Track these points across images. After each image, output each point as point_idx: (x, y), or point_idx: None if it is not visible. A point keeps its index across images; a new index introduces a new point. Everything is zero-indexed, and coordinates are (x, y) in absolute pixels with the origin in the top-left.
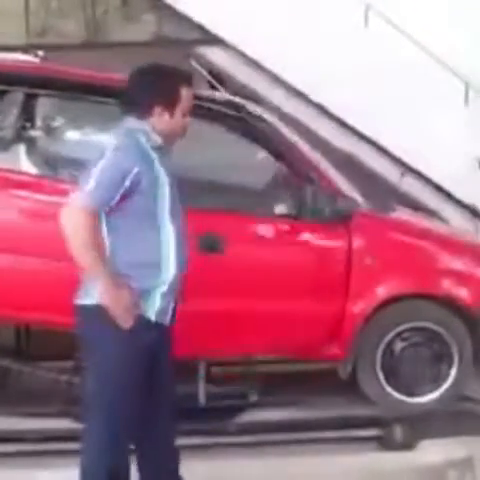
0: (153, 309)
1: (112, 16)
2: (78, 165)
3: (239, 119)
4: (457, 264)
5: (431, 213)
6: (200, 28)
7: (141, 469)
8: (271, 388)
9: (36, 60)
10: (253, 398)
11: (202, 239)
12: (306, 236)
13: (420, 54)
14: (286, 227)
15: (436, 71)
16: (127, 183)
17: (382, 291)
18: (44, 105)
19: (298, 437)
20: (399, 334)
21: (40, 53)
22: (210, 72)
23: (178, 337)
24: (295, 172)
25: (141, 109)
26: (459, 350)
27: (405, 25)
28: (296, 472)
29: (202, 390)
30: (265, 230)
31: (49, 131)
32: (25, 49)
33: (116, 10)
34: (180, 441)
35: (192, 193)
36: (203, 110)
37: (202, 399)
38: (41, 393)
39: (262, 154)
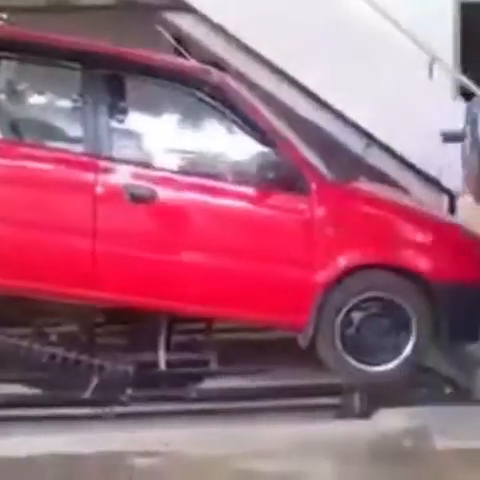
0: None
1: None
2: (41, 129)
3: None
4: (419, 236)
5: (396, 185)
6: None
7: None
8: (231, 356)
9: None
10: (213, 366)
11: None
12: (268, 204)
13: (387, 25)
14: (249, 193)
15: (402, 43)
16: None
17: (343, 261)
18: (7, 69)
19: (257, 405)
20: (358, 304)
21: (4, 16)
22: (176, 38)
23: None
24: (258, 139)
25: None
26: (418, 321)
27: None
28: (254, 439)
29: (162, 357)
30: (227, 195)
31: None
32: None
33: None
34: (140, 408)
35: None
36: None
37: (163, 366)
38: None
39: (227, 120)
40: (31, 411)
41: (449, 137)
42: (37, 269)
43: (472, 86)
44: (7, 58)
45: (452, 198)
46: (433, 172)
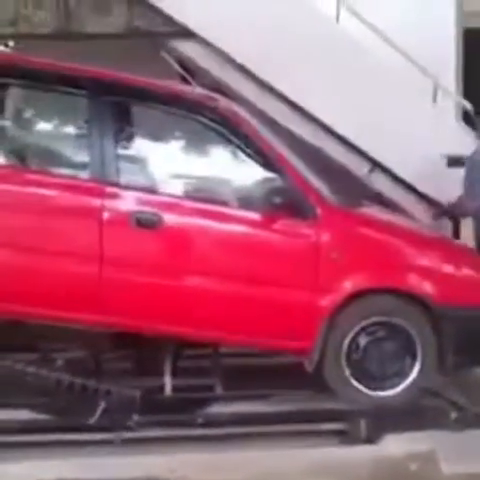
0: None
1: (84, 7)
2: (47, 155)
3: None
4: (423, 260)
5: (400, 209)
6: (173, 22)
7: None
8: (237, 381)
9: (7, 50)
10: (219, 391)
11: None
12: (274, 229)
13: (390, 52)
14: (255, 219)
15: (405, 69)
16: None
17: (348, 285)
18: (14, 96)
19: (263, 430)
20: (364, 328)
21: (10, 44)
22: (182, 65)
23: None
24: (263, 165)
25: None
26: (423, 345)
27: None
28: (260, 465)
29: (169, 382)
30: (233, 221)
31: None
32: None
33: (89, 1)
34: (147, 433)
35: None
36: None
37: (169, 391)
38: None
39: (232, 147)
40: (38, 437)
41: (453, 161)
42: (44, 294)
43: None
44: (14, 85)
45: (456, 223)
46: (437, 196)
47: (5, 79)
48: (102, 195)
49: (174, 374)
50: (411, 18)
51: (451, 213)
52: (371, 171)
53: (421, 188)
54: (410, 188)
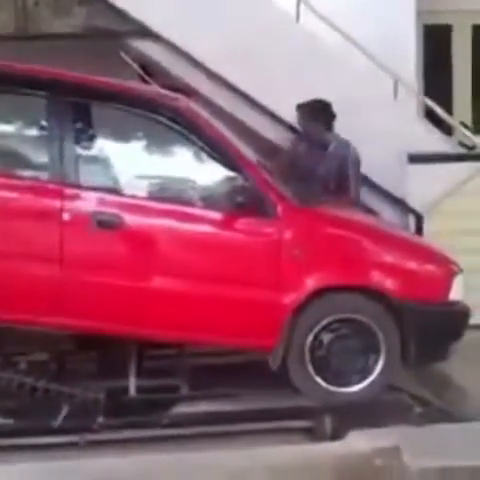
0: None
1: (43, 8)
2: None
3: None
4: (385, 256)
5: (361, 206)
6: (132, 21)
7: None
8: (202, 381)
9: None
10: (184, 391)
11: None
12: (236, 228)
13: (350, 49)
14: (216, 218)
15: (366, 66)
16: None
17: (311, 283)
18: None
19: (229, 429)
20: (327, 325)
21: None
22: (141, 65)
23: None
24: (224, 164)
25: None
26: (386, 341)
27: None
28: (226, 464)
29: (133, 383)
30: (195, 220)
31: None
32: None
33: (47, 2)
34: (112, 435)
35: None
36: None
37: (133, 392)
38: None
39: (193, 146)
40: (1, 440)
41: (415, 158)
42: (4, 297)
43: (436, 106)
44: None
45: (419, 219)
46: (398, 193)
47: None
48: (62, 196)
49: (139, 375)
50: (371, 14)
51: None
52: None
53: (382, 184)
54: (372, 185)
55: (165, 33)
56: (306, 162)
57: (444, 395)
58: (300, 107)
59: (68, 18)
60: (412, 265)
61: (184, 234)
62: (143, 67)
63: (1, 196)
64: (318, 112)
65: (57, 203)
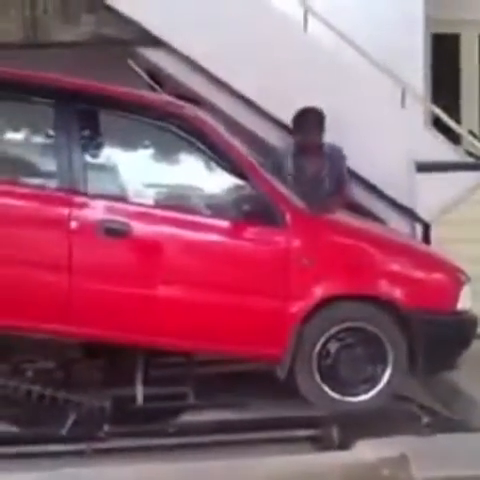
0: None
1: (51, 16)
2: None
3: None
4: (393, 265)
5: (369, 215)
6: (141, 30)
7: None
8: (209, 389)
9: None
10: (191, 399)
11: None
12: (244, 237)
13: (358, 58)
14: (225, 227)
15: (374, 75)
16: None
17: (319, 292)
18: None
19: (236, 438)
20: (335, 334)
21: None
22: (149, 73)
23: None
24: (233, 172)
25: None
26: (394, 350)
27: (344, 29)
28: (233, 473)
29: (140, 392)
30: (203, 229)
31: None
32: None
33: (55, 10)
34: (118, 443)
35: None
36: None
37: (140, 401)
38: None
39: (202, 155)
40: (9, 448)
41: (422, 167)
42: (12, 305)
43: (444, 115)
44: None
45: (426, 227)
46: (406, 202)
47: None
48: (70, 204)
49: (145, 383)
50: (380, 23)
51: None
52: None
53: (390, 193)
54: (380, 193)
55: (170, 40)
56: (308, 169)
57: (452, 405)
58: (304, 114)
59: (76, 26)
60: (420, 274)
61: (191, 242)
62: (151, 75)
63: (10, 204)
64: (323, 119)
65: (65, 211)
